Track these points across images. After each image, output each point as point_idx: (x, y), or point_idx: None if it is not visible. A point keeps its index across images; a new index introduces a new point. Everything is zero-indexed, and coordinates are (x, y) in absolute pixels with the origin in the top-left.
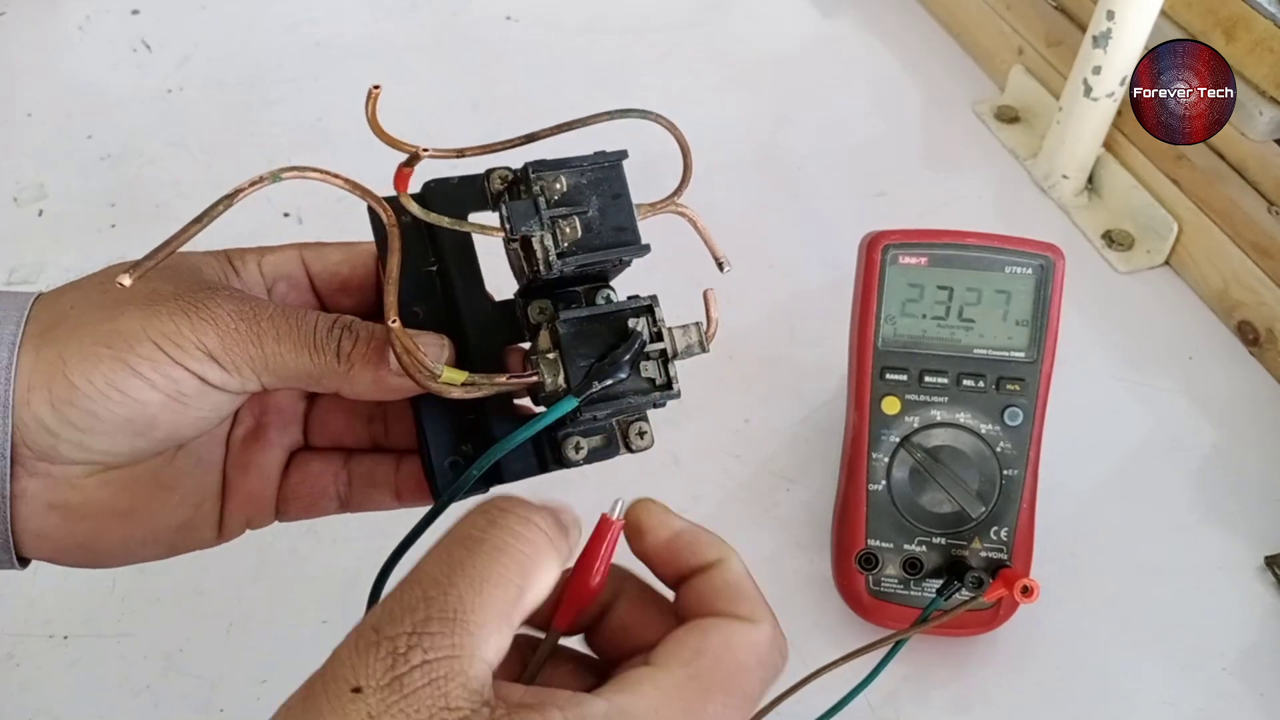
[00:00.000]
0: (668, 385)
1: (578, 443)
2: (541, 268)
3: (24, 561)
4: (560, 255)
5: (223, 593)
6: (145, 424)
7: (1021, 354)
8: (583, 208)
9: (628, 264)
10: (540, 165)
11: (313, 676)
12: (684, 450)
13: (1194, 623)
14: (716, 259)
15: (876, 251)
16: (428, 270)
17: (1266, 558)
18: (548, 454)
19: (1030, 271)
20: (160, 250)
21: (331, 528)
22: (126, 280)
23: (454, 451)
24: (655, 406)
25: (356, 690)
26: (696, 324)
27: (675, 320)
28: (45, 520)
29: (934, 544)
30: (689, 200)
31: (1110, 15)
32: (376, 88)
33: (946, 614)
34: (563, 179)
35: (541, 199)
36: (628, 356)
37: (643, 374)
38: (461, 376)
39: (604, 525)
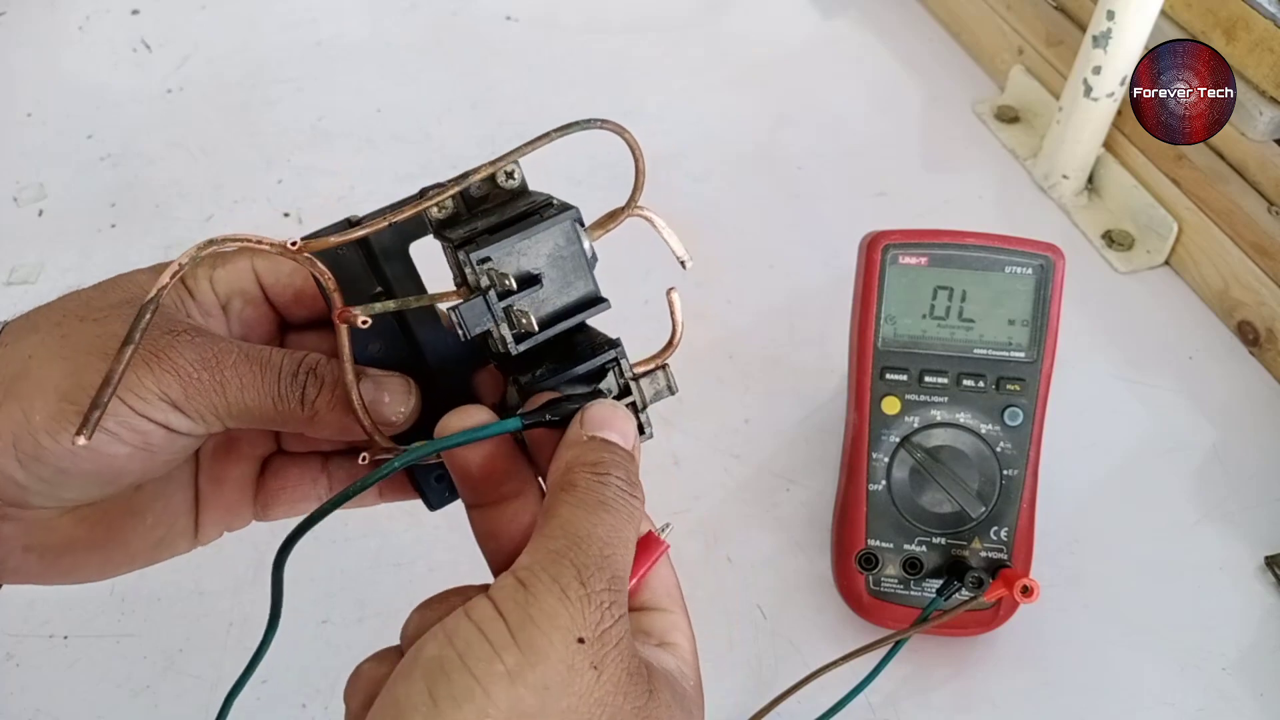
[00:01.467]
0: (639, 431)
1: None
2: (500, 349)
3: None
4: (518, 339)
5: (223, 593)
6: (114, 474)
7: (1021, 354)
8: (535, 275)
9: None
10: (486, 250)
11: (497, 617)
12: (684, 450)
13: (1194, 623)
14: (678, 258)
15: (876, 251)
16: (375, 295)
17: (1266, 558)
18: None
19: (1030, 271)
20: (107, 384)
21: (329, 529)
22: (81, 440)
23: (438, 466)
24: None
25: (581, 641)
26: (663, 367)
27: (646, 325)
28: (21, 560)
29: (934, 544)
30: (689, 200)
31: (1110, 15)
32: (294, 243)
33: (946, 614)
34: (514, 255)
35: (492, 291)
36: None
37: None
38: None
39: (652, 543)
